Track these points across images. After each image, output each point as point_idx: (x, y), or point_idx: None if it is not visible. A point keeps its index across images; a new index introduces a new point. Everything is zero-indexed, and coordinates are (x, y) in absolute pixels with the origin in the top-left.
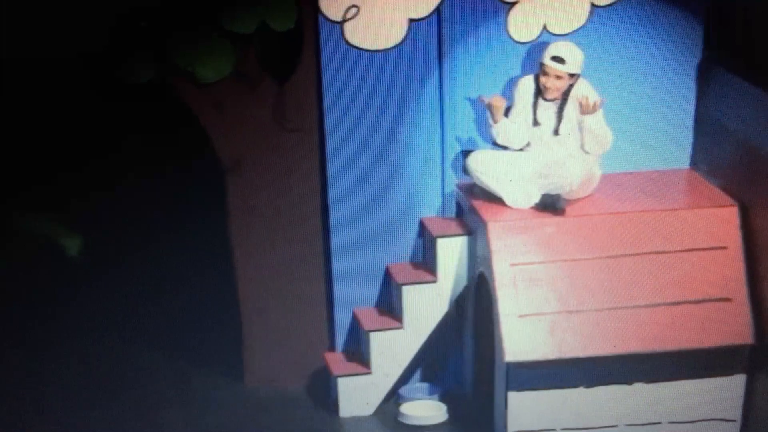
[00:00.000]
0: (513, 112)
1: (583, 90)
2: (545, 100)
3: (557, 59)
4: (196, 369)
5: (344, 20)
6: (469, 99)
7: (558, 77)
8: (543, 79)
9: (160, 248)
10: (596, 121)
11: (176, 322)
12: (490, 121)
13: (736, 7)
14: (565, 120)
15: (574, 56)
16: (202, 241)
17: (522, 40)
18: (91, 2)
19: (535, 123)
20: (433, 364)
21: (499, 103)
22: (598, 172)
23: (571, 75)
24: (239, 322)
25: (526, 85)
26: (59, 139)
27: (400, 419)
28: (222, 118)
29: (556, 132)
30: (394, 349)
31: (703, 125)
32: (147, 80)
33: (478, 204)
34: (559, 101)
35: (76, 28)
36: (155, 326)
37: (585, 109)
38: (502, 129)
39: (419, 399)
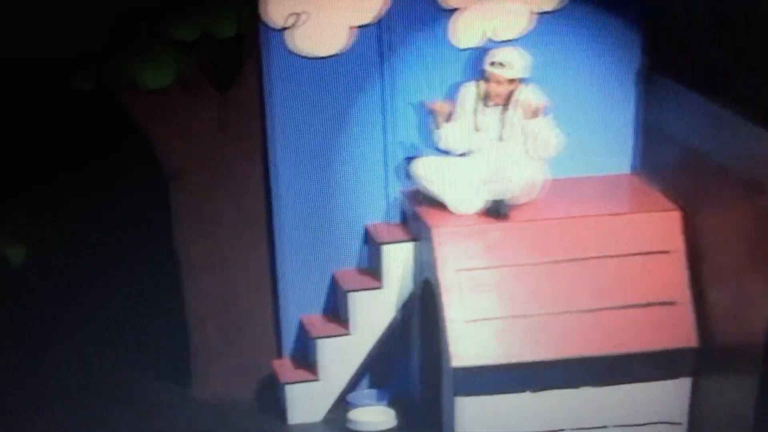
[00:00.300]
0: (455, 117)
1: (527, 95)
2: (487, 105)
3: (499, 64)
4: (144, 377)
5: (286, 28)
6: (411, 105)
7: (499, 82)
8: (485, 85)
9: (105, 257)
10: (540, 126)
11: (123, 329)
12: (433, 126)
13: (674, 14)
14: (507, 126)
15: (516, 61)
16: (147, 249)
17: (463, 47)
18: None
19: (476, 129)
20: (381, 370)
21: (443, 109)
22: (542, 178)
23: (513, 80)
24: (186, 328)
25: (467, 91)
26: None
27: (349, 426)
28: (165, 126)
29: (500, 138)
30: (341, 356)
31: (645, 130)
32: (91, 88)
33: (422, 210)
34: (501, 107)
35: (27, 32)
36: (102, 334)
37: (527, 114)
38: (444, 134)
39: (368, 405)
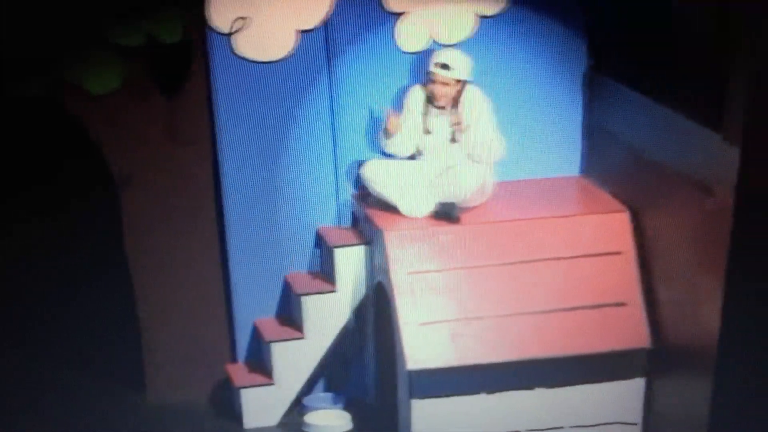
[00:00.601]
0: (402, 121)
1: (472, 97)
2: (436, 107)
3: (442, 66)
4: (97, 382)
5: (233, 32)
6: (360, 108)
7: (444, 83)
8: (430, 87)
9: (56, 263)
10: (482, 131)
11: (75, 334)
12: (381, 135)
13: (616, 15)
14: (464, 117)
15: (459, 62)
16: (98, 252)
17: (410, 50)
18: None
19: (426, 132)
20: (336, 373)
21: (396, 126)
22: (492, 180)
23: (458, 81)
24: (139, 334)
25: (415, 94)
26: None
27: (305, 429)
28: (113, 131)
29: (452, 140)
30: (296, 360)
31: (592, 132)
32: (35, 94)
33: (373, 213)
34: (450, 109)
35: None
36: (55, 339)
37: (458, 129)
38: (391, 140)
39: (323, 408)
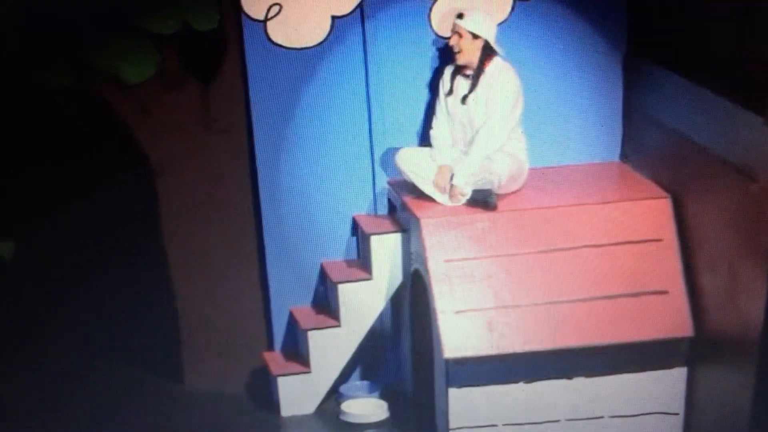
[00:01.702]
0: (438, 108)
1: (496, 73)
2: (463, 76)
3: (459, 15)
4: (136, 371)
5: (267, 19)
6: (396, 93)
7: (458, 34)
8: (449, 41)
9: (94, 253)
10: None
11: (113, 324)
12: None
13: None
14: (478, 91)
15: (474, 14)
16: (134, 242)
17: (446, 35)
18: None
19: (450, 92)
20: (372, 361)
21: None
22: (527, 167)
23: (476, 38)
24: (177, 323)
25: (447, 70)
26: None
27: (342, 417)
28: (148, 120)
29: (463, 101)
30: (332, 348)
31: (632, 117)
32: (69, 84)
33: (410, 201)
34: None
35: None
36: (93, 329)
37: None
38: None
39: (360, 397)
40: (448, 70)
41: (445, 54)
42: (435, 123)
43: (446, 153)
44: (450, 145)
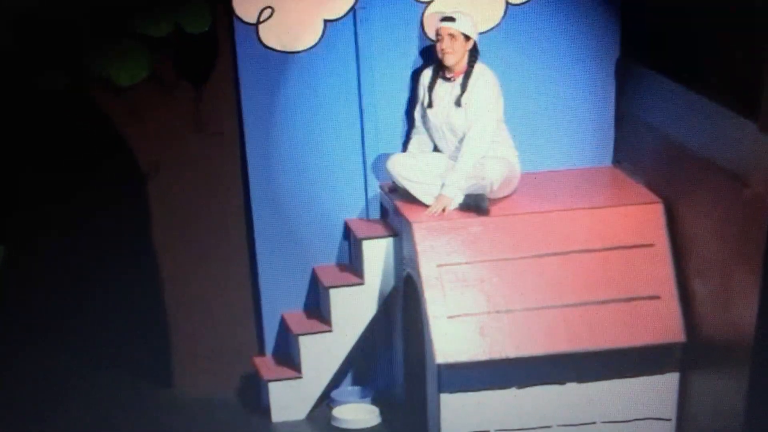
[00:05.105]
0: (417, 107)
1: (478, 75)
2: (444, 79)
3: (447, 19)
4: (126, 376)
5: (259, 22)
6: (388, 98)
7: (452, 36)
8: (439, 47)
9: (83, 258)
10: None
11: (103, 329)
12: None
13: (650, 2)
14: (468, 91)
15: (463, 16)
16: (125, 247)
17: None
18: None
19: (429, 105)
20: (364, 366)
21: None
22: (518, 171)
23: (467, 40)
24: (167, 328)
25: (425, 72)
26: None
27: (333, 423)
28: (139, 123)
29: (458, 103)
30: (323, 352)
31: (625, 122)
32: (62, 87)
33: (402, 205)
34: (457, 79)
35: None
36: (83, 335)
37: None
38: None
39: (351, 402)
40: (426, 78)
41: (438, 58)
42: (414, 132)
43: (434, 159)
44: (432, 150)
